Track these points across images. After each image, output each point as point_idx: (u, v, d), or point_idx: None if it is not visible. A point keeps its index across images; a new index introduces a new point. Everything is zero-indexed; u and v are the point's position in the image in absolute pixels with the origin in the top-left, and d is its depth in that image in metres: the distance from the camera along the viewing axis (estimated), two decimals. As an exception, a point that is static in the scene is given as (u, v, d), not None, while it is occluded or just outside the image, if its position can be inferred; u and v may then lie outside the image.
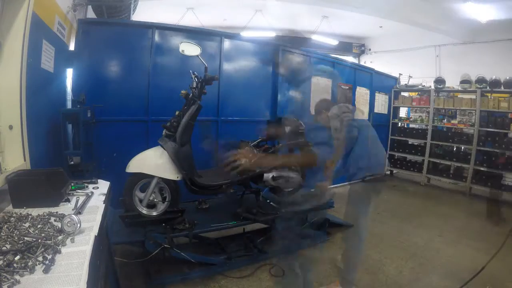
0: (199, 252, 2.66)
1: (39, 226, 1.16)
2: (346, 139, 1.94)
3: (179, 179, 2.44)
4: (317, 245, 3.02)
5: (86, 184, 1.71)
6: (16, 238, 1.04)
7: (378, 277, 2.63)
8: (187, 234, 2.42)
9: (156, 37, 3.41)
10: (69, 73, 3.07)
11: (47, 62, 2.37)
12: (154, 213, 2.48)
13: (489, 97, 5.26)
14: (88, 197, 1.53)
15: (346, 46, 10.01)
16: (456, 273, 2.65)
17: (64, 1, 2.77)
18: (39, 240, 1.02)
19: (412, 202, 4.94)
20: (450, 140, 5.63)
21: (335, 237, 3.37)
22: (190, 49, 2.65)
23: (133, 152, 2.43)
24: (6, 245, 0.99)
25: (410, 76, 6.71)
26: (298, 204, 2.80)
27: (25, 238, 1.05)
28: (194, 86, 2.51)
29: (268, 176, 2.70)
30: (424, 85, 6.40)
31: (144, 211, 2.44)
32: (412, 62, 8.31)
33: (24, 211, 1.32)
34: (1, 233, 1.07)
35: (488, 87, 5.20)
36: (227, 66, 3.92)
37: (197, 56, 2.64)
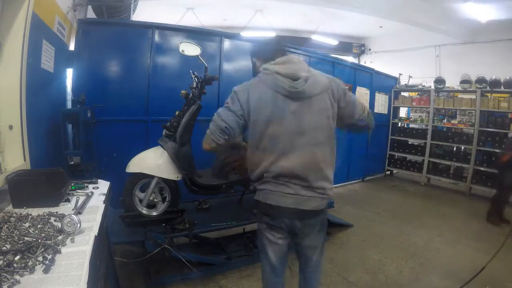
0: (199, 252, 2.66)
1: (39, 226, 1.16)
2: None
3: (179, 179, 2.44)
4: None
5: (86, 184, 1.71)
6: (16, 238, 1.04)
7: (378, 277, 2.63)
8: (187, 234, 2.42)
9: (156, 37, 3.41)
10: (69, 73, 3.07)
11: (47, 62, 2.37)
12: (154, 213, 2.48)
13: (489, 97, 5.26)
14: (88, 197, 1.53)
15: (346, 46, 10.02)
16: (456, 273, 2.65)
17: (64, 1, 2.77)
18: (39, 240, 1.02)
19: (412, 202, 4.94)
20: (450, 140, 5.63)
21: (335, 237, 3.37)
22: (190, 49, 2.65)
23: (133, 152, 2.43)
24: (6, 245, 0.99)
25: (410, 76, 6.72)
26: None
27: (25, 238, 1.05)
28: (194, 86, 2.51)
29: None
30: (424, 85, 6.40)
31: (144, 211, 2.45)
32: (412, 62, 8.33)
33: (24, 211, 1.32)
34: (1, 233, 1.07)
35: (488, 87, 5.19)
36: (227, 66, 3.92)
37: (197, 56, 2.64)
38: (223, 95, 3.79)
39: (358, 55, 10.35)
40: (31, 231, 1.11)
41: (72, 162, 2.51)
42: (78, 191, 1.61)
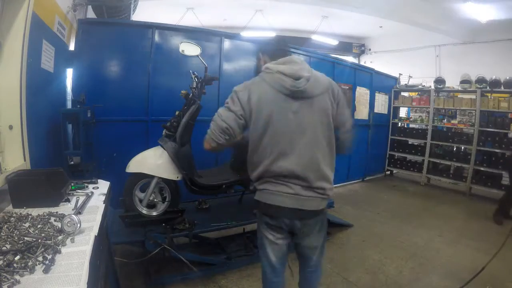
0: (199, 252, 2.66)
1: (39, 226, 1.16)
2: None
3: (179, 179, 2.44)
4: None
5: (86, 184, 1.71)
6: (16, 238, 1.04)
7: (378, 277, 2.63)
8: (187, 234, 2.42)
9: (156, 37, 3.41)
10: (69, 73, 3.07)
11: (47, 62, 2.37)
12: (154, 213, 2.48)
13: (489, 97, 5.26)
14: (88, 197, 1.53)
15: (346, 46, 10.02)
16: (456, 273, 2.65)
17: (64, 1, 2.77)
18: (39, 240, 1.02)
19: (412, 202, 4.94)
20: (450, 140, 5.63)
21: (335, 237, 3.37)
22: (190, 49, 2.65)
23: (133, 152, 2.43)
24: (6, 245, 0.99)
25: (410, 76, 6.72)
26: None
27: (25, 238, 1.05)
28: (194, 86, 2.51)
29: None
30: (424, 85, 6.40)
31: (144, 211, 2.45)
32: (412, 62, 8.33)
33: (24, 211, 1.32)
34: (1, 233, 1.07)
35: (488, 87, 5.19)
36: (227, 66, 3.92)
37: (197, 56, 2.64)
38: (223, 95, 3.78)
39: (358, 55, 10.35)
40: (31, 231, 1.11)
41: (72, 162, 2.51)
42: (78, 191, 1.61)
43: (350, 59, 9.23)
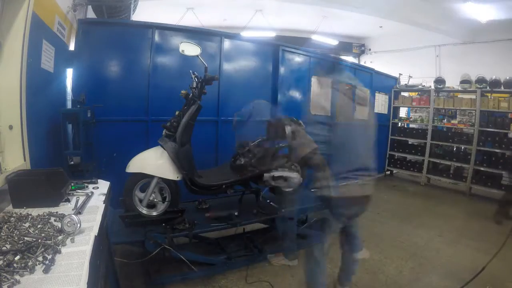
0: (199, 252, 2.66)
1: (39, 226, 1.17)
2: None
3: (179, 179, 2.44)
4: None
5: (86, 184, 1.71)
6: (16, 238, 1.04)
7: (378, 277, 2.63)
8: (187, 234, 2.42)
9: (156, 37, 3.41)
10: (69, 73, 3.07)
11: (47, 62, 2.37)
12: (154, 213, 2.47)
13: (489, 97, 5.26)
14: (88, 197, 1.53)
15: (346, 46, 10.01)
16: (456, 273, 2.65)
17: (64, 1, 2.77)
18: (39, 240, 1.02)
19: (412, 202, 4.94)
20: (450, 140, 5.63)
21: (335, 237, 3.36)
22: (190, 49, 2.65)
23: (133, 152, 2.43)
24: (6, 245, 0.99)
25: (410, 76, 6.72)
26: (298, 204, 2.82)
27: (25, 238, 1.05)
28: (194, 86, 2.51)
29: (268, 176, 2.70)
30: (424, 85, 6.40)
31: (144, 211, 2.44)
32: (412, 62, 8.32)
33: (24, 211, 1.32)
34: (1, 233, 1.07)
35: (488, 87, 5.20)
36: (227, 66, 3.92)
37: (197, 56, 2.64)
38: (223, 95, 3.80)
39: (358, 55, 10.34)
40: (31, 231, 1.11)
41: (72, 162, 2.51)
42: (78, 191, 1.61)
43: (350, 59, 9.23)
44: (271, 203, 2.95)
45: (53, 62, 2.48)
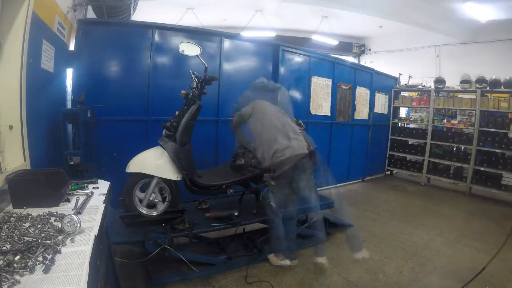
0: (199, 252, 2.66)
1: (39, 226, 1.17)
2: None
3: (179, 179, 2.44)
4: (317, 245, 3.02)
5: (86, 184, 1.71)
6: (16, 238, 1.04)
7: (378, 277, 2.63)
8: (187, 234, 2.42)
9: (156, 37, 3.41)
10: (69, 73, 3.07)
11: (47, 62, 2.37)
12: (154, 213, 2.47)
13: (489, 97, 5.26)
14: (88, 197, 1.53)
15: (346, 46, 10.01)
16: (456, 273, 2.65)
17: (64, 1, 2.77)
18: (39, 240, 1.02)
19: (412, 202, 4.94)
20: (450, 140, 5.63)
21: (335, 237, 3.37)
22: (190, 49, 2.65)
23: (133, 152, 2.43)
24: (6, 245, 0.99)
25: (410, 76, 6.72)
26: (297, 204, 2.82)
27: (25, 238, 1.05)
28: (194, 86, 2.51)
29: (268, 176, 2.70)
30: (424, 85, 6.40)
31: (144, 211, 2.44)
32: (412, 62, 8.33)
33: (24, 211, 1.32)
34: (1, 233, 1.07)
35: (488, 87, 5.20)
36: (227, 66, 3.92)
37: (197, 56, 2.64)
38: (223, 95, 3.80)
39: (358, 55, 10.34)
40: (31, 231, 1.11)
41: (72, 162, 2.51)
42: (78, 191, 1.61)
43: (350, 59, 9.23)
44: (271, 203, 2.95)
45: (53, 62, 2.48)
